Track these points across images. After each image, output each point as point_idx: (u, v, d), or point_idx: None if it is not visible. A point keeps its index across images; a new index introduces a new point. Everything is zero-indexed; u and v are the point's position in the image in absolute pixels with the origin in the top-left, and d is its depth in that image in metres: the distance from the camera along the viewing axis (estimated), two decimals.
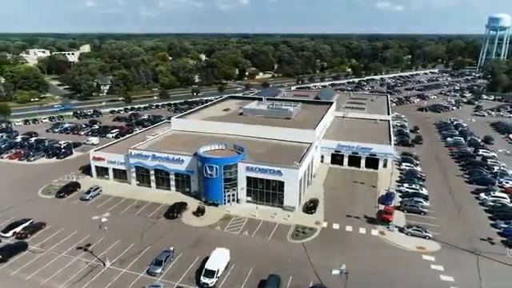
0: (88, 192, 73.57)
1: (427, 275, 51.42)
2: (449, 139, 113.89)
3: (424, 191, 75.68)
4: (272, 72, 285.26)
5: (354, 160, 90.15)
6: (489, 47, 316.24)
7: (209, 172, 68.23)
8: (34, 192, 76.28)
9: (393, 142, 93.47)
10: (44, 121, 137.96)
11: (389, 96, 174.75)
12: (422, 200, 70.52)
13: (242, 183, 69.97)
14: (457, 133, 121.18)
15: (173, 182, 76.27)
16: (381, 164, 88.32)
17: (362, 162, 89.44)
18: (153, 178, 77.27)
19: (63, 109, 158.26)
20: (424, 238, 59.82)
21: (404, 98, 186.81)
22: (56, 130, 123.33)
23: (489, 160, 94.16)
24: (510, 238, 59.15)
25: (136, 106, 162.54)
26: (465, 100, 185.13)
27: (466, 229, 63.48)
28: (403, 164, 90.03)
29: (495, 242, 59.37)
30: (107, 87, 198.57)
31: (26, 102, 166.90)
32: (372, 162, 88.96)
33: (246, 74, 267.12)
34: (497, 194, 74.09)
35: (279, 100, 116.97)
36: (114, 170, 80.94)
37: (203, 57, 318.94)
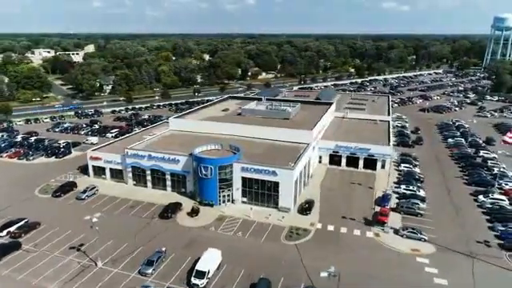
0: (84, 191, 73.72)
1: (420, 278, 50.82)
2: (449, 140, 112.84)
3: (421, 193, 74.93)
4: (275, 72, 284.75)
5: (352, 161, 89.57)
6: (494, 47, 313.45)
7: (204, 172, 68.05)
8: (31, 191, 76.58)
9: (392, 143, 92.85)
10: (45, 120, 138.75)
11: (391, 97, 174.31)
12: (418, 202, 69.79)
13: (237, 184, 69.74)
14: (458, 134, 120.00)
15: (169, 182, 76.21)
16: (379, 165, 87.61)
17: (360, 163, 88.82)
18: (149, 178, 77.27)
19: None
20: (419, 240, 59.20)
21: (406, 98, 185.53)
22: (56, 130, 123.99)
23: (489, 161, 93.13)
24: (507, 241, 58.28)
25: (137, 106, 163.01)
26: (468, 101, 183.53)
27: (462, 231, 62.72)
28: (402, 165, 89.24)
29: (492, 245, 58.59)
30: (110, 87, 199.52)
31: (29, 102, 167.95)
32: (370, 163, 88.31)
33: (249, 74, 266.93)
34: (495, 196, 73.12)
35: (278, 100, 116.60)
36: (110, 169, 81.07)
37: (207, 57, 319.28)
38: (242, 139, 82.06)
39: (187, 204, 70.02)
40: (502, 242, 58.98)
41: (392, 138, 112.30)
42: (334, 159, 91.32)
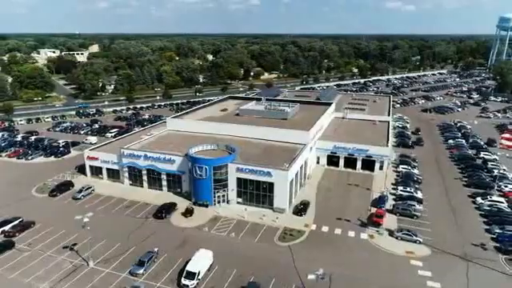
0: (80, 191, 73.89)
1: (413, 281, 50.22)
2: (450, 141, 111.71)
3: (419, 194, 74.15)
4: (278, 72, 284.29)
5: (351, 162, 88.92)
6: (499, 48, 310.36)
7: (198, 172, 67.87)
8: (28, 190, 76.91)
9: (390, 144, 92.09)
10: (47, 120, 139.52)
11: (393, 97, 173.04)
12: (415, 203, 69.01)
13: (232, 184, 69.46)
14: (459, 135, 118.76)
15: (164, 183, 76.15)
16: (377, 166, 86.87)
17: (358, 164, 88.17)
18: (145, 177, 77.26)
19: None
20: (414, 242, 58.51)
21: (409, 99, 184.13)
22: (57, 129, 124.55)
23: (489, 163, 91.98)
24: (504, 244, 57.45)
25: (138, 106, 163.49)
26: (471, 101, 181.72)
27: (458, 234, 61.96)
28: (400, 166, 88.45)
29: (488, 248, 57.80)
30: (112, 87, 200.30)
31: (31, 102, 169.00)
32: (368, 164, 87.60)
33: (251, 74, 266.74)
34: (494, 198, 72.16)
35: (278, 100, 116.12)
36: (107, 169, 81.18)
37: (210, 57, 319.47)
38: (239, 139, 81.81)
39: (183, 204, 69.88)
40: (498, 244, 58.20)
41: (392, 139, 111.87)
42: (332, 160, 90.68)
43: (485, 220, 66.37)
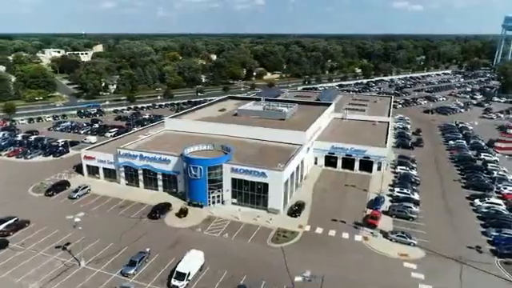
0: (76, 191, 74.04)
1: (406, 283, 49.66)
2: (451, 142, 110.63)
3: (415, 196, 73.45)
4: (280, 72, 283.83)
5: (348, 162, 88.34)
6: (505, 48, 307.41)
7: (193, 173, 67.74)
8: (25, 190, 77.21)
9: (389, 145, 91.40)
10: (48, 119, 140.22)
11: (396, 97, 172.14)
12: (411, 205, 68.32)
13: (227, 185, 69.24)
14: (460, 136, 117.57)
15: (160, 183, 76.14)
16: (375, 167, 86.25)
17: (356, 165, 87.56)
18: (141, 177, 77.28)
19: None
20: (408, 244, 57.89)
21: (411, 99, 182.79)
22: (57, 129, 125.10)
23: (489, 164, 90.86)
24: (499, 247, 56.65)
25: (139, 106, 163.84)
26: (474, 102, 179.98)
27: (454, 236, 61.23)
28: (398, 167, 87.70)
29: (483, 251, 57.05)
30: (114, 86, 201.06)
31: (33, 101, 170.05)
32: (366, 165, 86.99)
33: (254, 74, 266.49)
34: (492, 200, 71.25)
35: (277, 101, 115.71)
36: (104, 169, 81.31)
37: (214, 57, 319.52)
38: (236, 140, 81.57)
39: (178, 204, 69.68)
40: (494, 247, 57.40)
41: (392, 140, 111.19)
42: (330, 161, 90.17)
43: (482, 222, 65.53)
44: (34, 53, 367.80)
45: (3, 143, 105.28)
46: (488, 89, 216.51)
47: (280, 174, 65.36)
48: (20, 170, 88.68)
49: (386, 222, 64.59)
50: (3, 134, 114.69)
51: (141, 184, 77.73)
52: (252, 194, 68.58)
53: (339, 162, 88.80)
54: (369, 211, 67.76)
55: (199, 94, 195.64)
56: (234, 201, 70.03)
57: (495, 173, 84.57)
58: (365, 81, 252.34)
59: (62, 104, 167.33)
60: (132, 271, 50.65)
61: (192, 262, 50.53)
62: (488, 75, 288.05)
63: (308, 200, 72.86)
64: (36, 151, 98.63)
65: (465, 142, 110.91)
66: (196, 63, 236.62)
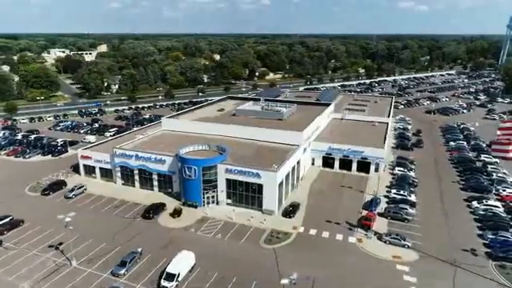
0: (72, 190, 74.28)
1: (397, 286, 49.15)
2: (451, 143, 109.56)
3: (412, 197, 72.75)
4: (283, 72, 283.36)
5: (346, 163, 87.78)
6: (510, 48, 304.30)
7: (187, 173, 67.64)
8: (22, 189, 77.60)
9: (387, 146, 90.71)
10: (49, 119, 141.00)
11: (398, 98, 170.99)
12: (407, 207, 67.67)
13: (221, 185, 69.03)
14: (461, 137, 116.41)
15: (156, 183, 76.11)
16: (372, 168, 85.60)
17: (354, 166, 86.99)
18: (137, 177, 77.32)
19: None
20: (402, 246, 57.32)
21: (413, 100, 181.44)
22: (58, 128, 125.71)
23: (489, 166, 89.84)
24: (495, 250, 55.88)
25: (140, 106, 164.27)
26: (478, 103, 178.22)
27: (449, 238, 60.51)
28: (396, 168, 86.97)
29: (478, 254, 56.27)
30: (116, 86, 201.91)
31: (36, 101, 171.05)
32: (364, 166, 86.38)
33: (257, 74, 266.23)
34: (490, 202, 70.33)
35: (276, 101, 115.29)
36: (100, 168, 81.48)
37: (218, 57, 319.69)
38: (233, 140, 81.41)
39: (172, 205, 69.58)
40: (489, 250, 56.65)
41: (392, 141, 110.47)
42: (328, 161, 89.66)
43: (479, 225, 64.73)
44: (39, 53, 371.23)
45: (3, 142, 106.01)
46: (492, 89, 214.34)
47: (274, 174, 65.02)
48: (18, 170, 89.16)
49: (381, 224, 63.99)
50: (3, 134, 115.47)
51: (136, 184, 77.78)
52: (247, 194, 68.31)
53: (336, 163, 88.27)
54: (364, 213, 67.19)
55: (200, 94, 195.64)
56: (229, 201, 69.81)
57: (494, 175, 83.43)
58: (368, 81, 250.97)
59: (62, 104, 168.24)
60: (122, 271, 50.60)
61: (182, 262, 50.35)
62: (493, 76, 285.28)
63: (304, 201, 72.46)
64: (35, 151, 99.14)
65: (465, 143, 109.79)
66: (198, 63, 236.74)
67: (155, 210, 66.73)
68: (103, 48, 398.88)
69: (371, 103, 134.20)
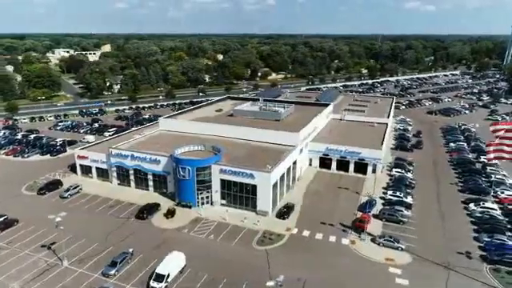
0: (67, 190, 74.46)
1: None
2: (451, 144, 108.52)
3: (408, 199, 72.06)
4: (285, 73, 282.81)
5: (343, 164, 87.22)
6: None
7: (182, 173, 67.49)
8: (19, 188, 77.90)
9: (384, 147, 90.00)
10: (50, 118, 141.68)
11: (400, 98, 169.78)
12: (402, 209, 67.00)
13: (216, 186, 68.82)
14: (462, 138, 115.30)
15: (151, 183, 76.09)
16: (370, 169, 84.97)
17: (351, 167, 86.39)
18: (132, 177, 77.33)
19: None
20: (396, 249, 56.74)
21: (415, 100, 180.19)
22: (58, 128, 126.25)
23: (489, 167, 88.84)
24: (490, 253, 55.09)
25: (141, 106, 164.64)
26: (480, 103, 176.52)
27: (445, 241, 59.80)
28: (394, 170, 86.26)
29: (473, 257, 55.54)
30: (118, 86, 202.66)
31: (38, 100, 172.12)
32: (361, 167, 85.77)
33: (259, 74, 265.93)
34: (487, 204, 69.46)
35: (275, 101, 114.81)
36: (97, 168, 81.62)
37: (221, 57, 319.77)
38: (229, 140, 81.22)
39: (167, 205, 69.44)
40: (484, 253, 55.88)
41: (391, 142, 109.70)
42: (325, 162, 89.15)
43: (475, 227, 63.95)
44: (44, 53, 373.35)
45: (3, 142, 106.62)
46: (496, 90, 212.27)
47: (268, 175, 64.67)
48: (16, 169, 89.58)
49: (375, 226, 63.43)
50: (4, 133, 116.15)
51: (132, 184, 77.81)
52: (241, 195, 68.03)
53: (334, 164, 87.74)
54: (359, 214, 66.64)
55: (201, 94, 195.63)
56: (223, 202, 69.56)
57: (493, 176, 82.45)
58: (370, 81, 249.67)
59: (62, 104, 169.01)
60: (113, 272, 50.55)
61: (172, 263, 50.16)
62: (497, 76, 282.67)
63: (299, 202, 72.07)
64: (33, 150, 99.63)
65: (466, 144, 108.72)
66: (199, 63, 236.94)
67: (149, 210, 66.65)
68: (107, 48, 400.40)
69: (371, 104, 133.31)
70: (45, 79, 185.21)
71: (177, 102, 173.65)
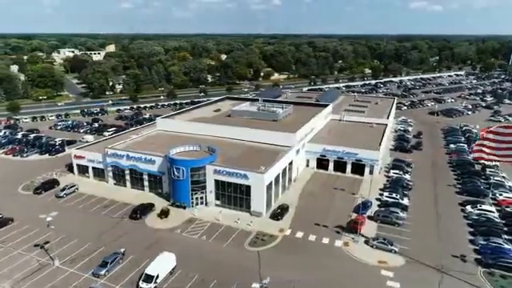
0: (63, 189, 74.70)
1: None
2: (451, 146, 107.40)
3: (405, 201, 71.35)
4: (288, 73, 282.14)
5: (340, 165, 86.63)
6: None
7: (176, 174, 67.41)
8: (16, 187, 78.29)
9: (382, 148, 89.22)
10: (51, 118, 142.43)
11: (402, 99, 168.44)
12: (398, 210, 66.31)
13: (210, 186, 68.64)
14: (462, 139, 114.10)
15: (146, 183, 76.09)
16: (367, 170, 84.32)
17: (348, 168, 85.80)
18: (128, 177, 77.39)
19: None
20: (389, 251, 56.14)
21: (418, 101, 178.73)
22: (58, 128, 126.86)
23: (488, 169, 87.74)
24: (484, 256, 54.29)
25: (142, 105, 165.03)
26: (484, 104, 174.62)
27: (439, 244, 59.05)
28: (391, 171, 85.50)
29: (467, 260, 54.77)
30: (121, 86, 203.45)
31: (39, 100, 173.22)
32: (358, 168, 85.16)
33: (262, 74, 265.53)
34: (484, 207, 68.56)
35: (274, 101, 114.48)
36: (93, 168, 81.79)
37: (224, 57, 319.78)
38: (225, 141, 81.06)
39: (162, 205, 69.40)
40: (479, 257, 55.07)
41: (390, 143, 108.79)
42: (322, 163, 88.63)
43: (471, 230, 63.11)
44: (49, 53, 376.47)
45: (3, 141, 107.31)
46: (500, 91, 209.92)
47: (261, 176, 64.35)
48: (15, 168, 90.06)
49: (370, 228, 62.84)
50: (4, 132, 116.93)
51: (128, 184, 77.87)
52: (235, 196, 67.78)
53: (331, 165, 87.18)
54: (354, 216, 66.07)
55: (202, 94, 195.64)
56: (218, 202, 69.36)
57: (492, 178, 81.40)
58: (373, 82, 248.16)
59: (63, 103, 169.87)
60: (103, 272, 50.50)
61: (162, 264, 50.05)
62: (502, 77, 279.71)
63: (294, 203, 71.64)
64: (32, 150, 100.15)
65: (466, 145, 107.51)
66: (201, 63, 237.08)
67: (143, 210, 66.61)
68: (111, 48, 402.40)
69: (372, 104, 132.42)
70: (47, 79, 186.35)
71: (178, 102, 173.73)
